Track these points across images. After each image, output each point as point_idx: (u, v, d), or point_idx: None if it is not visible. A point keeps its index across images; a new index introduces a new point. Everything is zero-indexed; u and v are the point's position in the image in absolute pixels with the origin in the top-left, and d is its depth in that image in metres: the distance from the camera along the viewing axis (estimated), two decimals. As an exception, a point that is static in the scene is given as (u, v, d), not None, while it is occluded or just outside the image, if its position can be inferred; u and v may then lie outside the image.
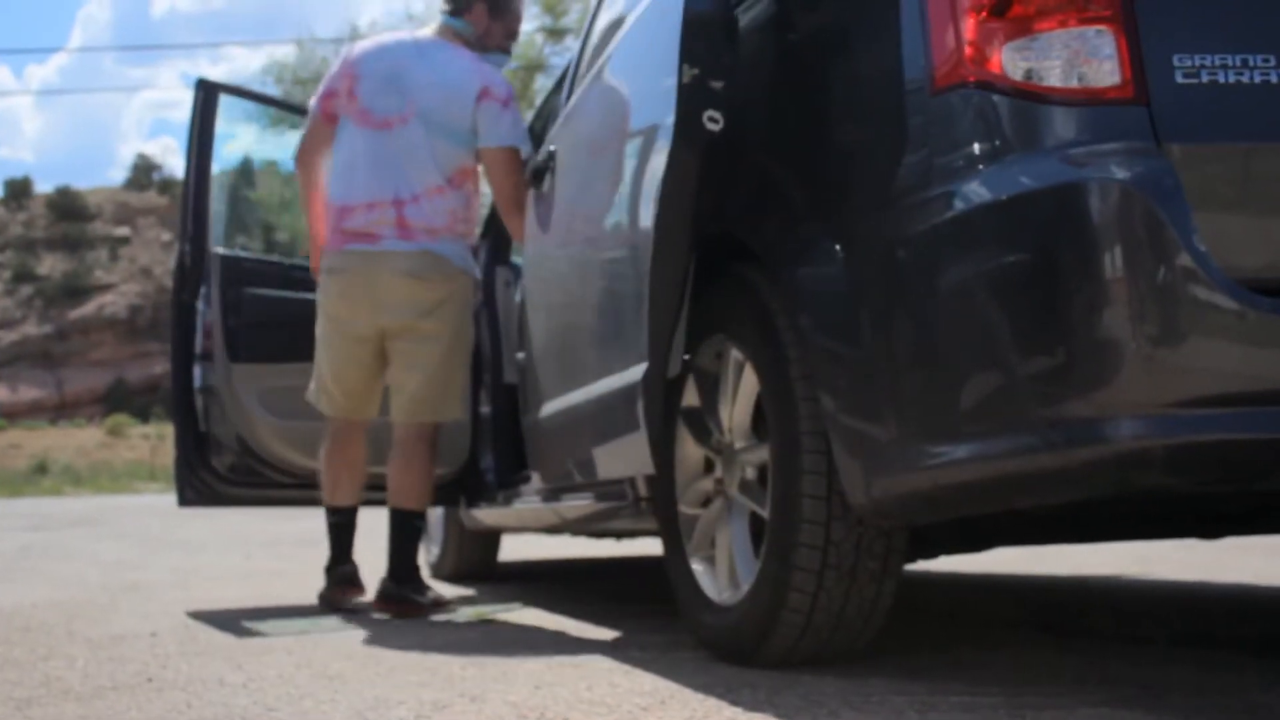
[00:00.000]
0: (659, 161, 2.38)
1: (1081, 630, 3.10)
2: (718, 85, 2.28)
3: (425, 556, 5.13)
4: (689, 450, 2.69)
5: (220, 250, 4.29)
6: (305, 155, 3.99)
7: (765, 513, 2.34)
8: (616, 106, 3.04)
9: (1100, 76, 1.83)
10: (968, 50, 1.91)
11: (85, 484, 26.75)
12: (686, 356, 2.60)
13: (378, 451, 3.93)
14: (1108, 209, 1.76)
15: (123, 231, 77.01)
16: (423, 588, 3.81)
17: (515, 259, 4.61)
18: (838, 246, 2.13)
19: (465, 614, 3.66)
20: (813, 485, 2.18)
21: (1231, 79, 1.79)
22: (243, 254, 4.45)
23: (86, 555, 6.87)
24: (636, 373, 2.51)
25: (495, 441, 4.44)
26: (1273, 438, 1.71)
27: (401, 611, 3.72)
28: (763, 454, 2.39)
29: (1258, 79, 1.79)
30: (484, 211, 4.43)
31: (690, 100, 2.27)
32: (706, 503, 2.64)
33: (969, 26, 1.91)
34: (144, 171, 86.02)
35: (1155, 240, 1.73)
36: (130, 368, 67.37)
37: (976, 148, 1.91)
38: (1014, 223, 1.84)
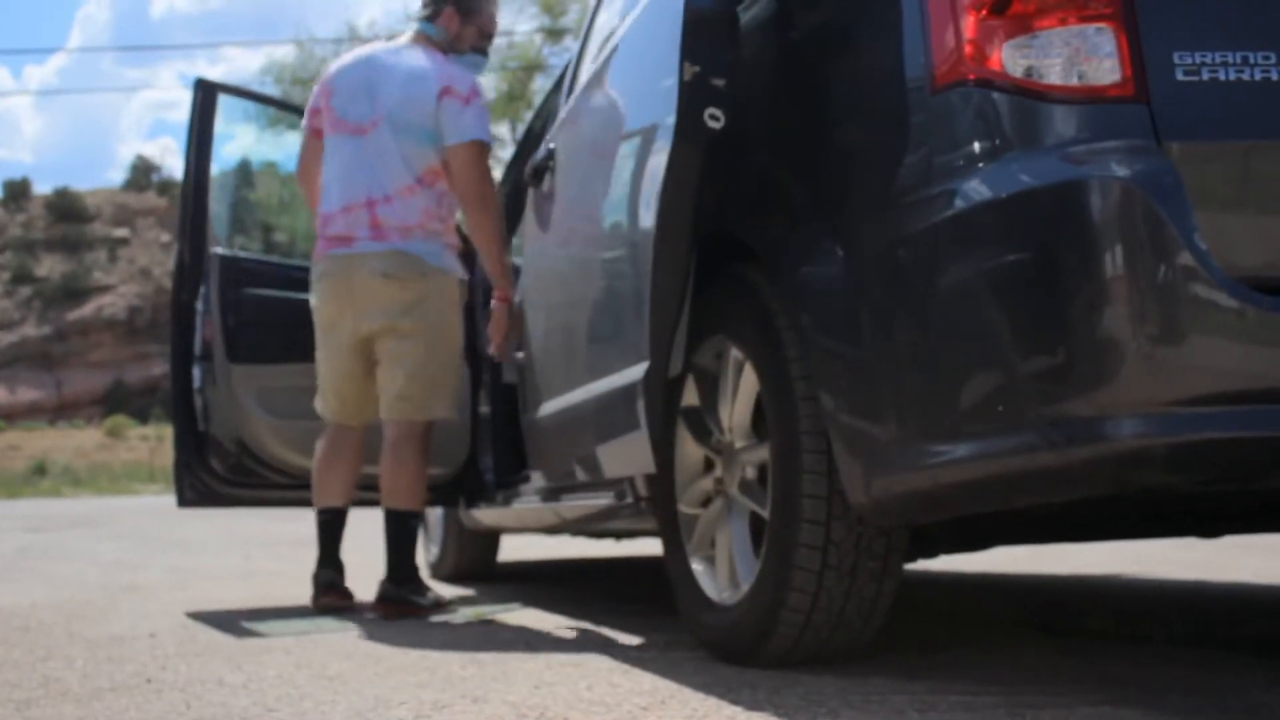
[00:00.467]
0: (659, 160, 2.38)
1: (1081, 630, 3.10)
2: (719, 83, 2.27)
3: (425, 557, 5.13)
4: (689, 450, 2.68)
5: (219, 250, 4.29)
6: (302, 172, 4.04)
7: (765, 512, 2.34)
8: (616, 105, 3.04)
9: (1100, 74, 1.83)
10: (968, 48, 1.91)
11: (84, 485, 26.76)
12: (681, 355, 2.60)
13: (371, 451, 3.92)
14: (1108, 207, 1.75)
15: (122, 233, 76.99)
16: (422, 588, 3.80)
17: (515, 259, 4.61)
18: (838, 245, 2.13)
19: (465, 614, 3.66)
20: (813, 485, 2.18)
21: (1232, 76, 1.79)
22: (242, 254, 4.45)
23: (85, 556, 6.87)
24: (637, 372, 2.51)
25: (494, 442, 4.44)
26: (1273, 436, 1.71)
27: (401, 613, 3.72)
28: (763, 453, 2.39)
29: (1258, 76, 1.79)
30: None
31: (691, 98, 2.26)
32: (706, 502, 2.63)
33: (969, 24, 1.91)
34: (143, 172, 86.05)
35: (1156, 238, 1.72)
36: (129, 369, 67.37)
37: (976, 146, 1.91)
38: (1014, 221, 1.84)
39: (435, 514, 5.20)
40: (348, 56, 4.02)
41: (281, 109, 4.90)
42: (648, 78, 2.66)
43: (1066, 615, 3.50)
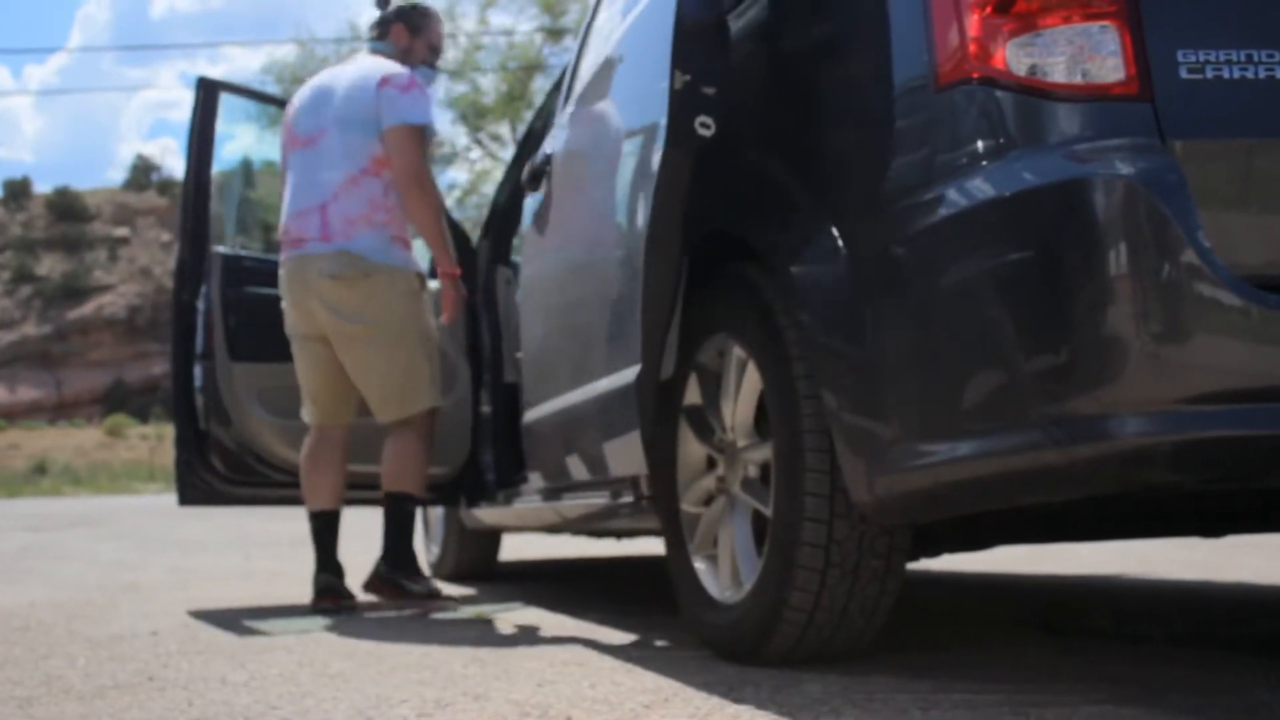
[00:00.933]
0: (654, 164, 2.40)
1: (1083, 629, 3.09)
2: (710, 91, 2.31)
3: (425, 556, 5.13)
4: (691, 448, 2.68)
5: (221, 249, 4.29)
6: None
7: (768, 511, 2.34)
8: (611, 111, 3.07)
9: (1104, 72, 1.82)
10: (971, 47, 1.91)
11: (84, 484, 26.75)
12: (674, 356, 2.62)
13: (368, 450, 3.99)
14: (1112, 205, 1.75)
15: (122, 232, 76.99)
16: (415, 576, 3.87)
17: (516, 258, 4.61)
18: (840, 244, 2.13)
19: (466, 613, 3.65)
20: (815, 483, 2.18)
21: (1236, 74, 1.79)
22: (243, 253, 4.44)
23: (85, 555, 6.87)
24: (634, 373, 2.53)
25: (495, 441, 4.43)
26: (1276, 434, 1.71)
27: (391, 595, 3.80)
28: (765, 452, 2.39)
29: (1262, 74, 1.79)
30: (484, 213, 4.43)
31: (682, 106, 2.31)
32: (708, 501, 2.63)
33: (973, 23, 1.91)
34: (143, 172, 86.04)
35: (1160, 236, 1.72)
36: (129, 368, 67.37)
37: (980, 144, 1.91)
38: (1018, 219, 1.84)
39: (436, 513, 5.20)
40: (305, 85, 4.16)
41: (284, 107, 4.87)
42: (642, 84, 2.67)
43: (1068, 614, 3.50)
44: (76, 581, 5.12)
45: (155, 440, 37.41)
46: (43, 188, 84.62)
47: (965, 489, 1.94)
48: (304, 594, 3.93)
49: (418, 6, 4.12)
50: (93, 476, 28.89)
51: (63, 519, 11.44)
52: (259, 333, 4.24)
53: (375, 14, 4.15)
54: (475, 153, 28.46)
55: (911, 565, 2.84)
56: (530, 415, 3.87)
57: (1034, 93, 1.86)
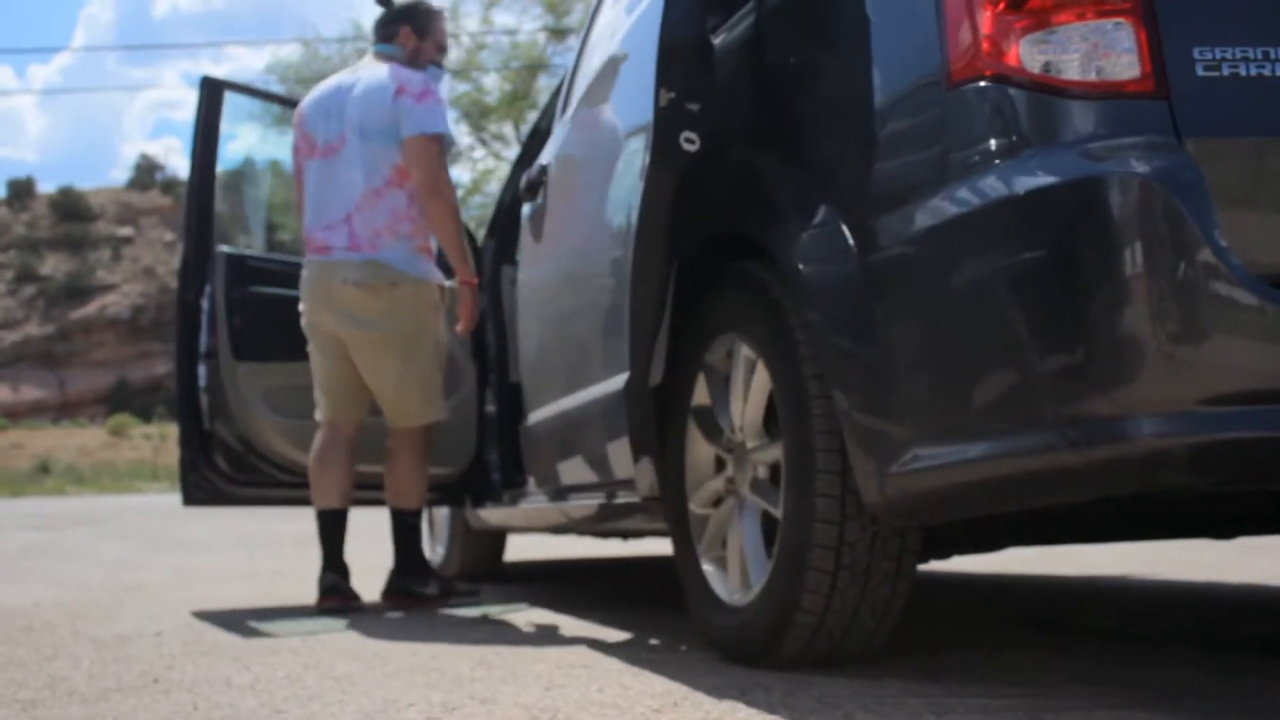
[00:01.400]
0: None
1: (1093, 631, 3.08)
2: (694, 107, 2.36)
3: (430, 557, 5.11)
4: (699, 449, 2.66)
5: (224, 248, 4.28)
6: (299, 204, 4.12)
7: (778, 512, 2.32)
8: (608, 115, 3.11)
9: (1119, 70, 1.80)
10: (984, 44, 1.89)
11: (88, 484, 26.76)
12: (663, 363, 2.65)
13: (367, 451, 4.04)
14: (1128, 204, 1.73)
15: (125, 231, 77.03)
16: (425, 579, 3.96)
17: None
18: (851, 242, 2.11)
19: (472, 614, 3.64)
20: (826, 484, 2.16)
21: (1253, 72, 1.77)
22: (247, 252, 4.43)
23: (89, 555, 6.86)
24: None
25: (500, 440, 4.42)
26: None
27: (406, 604, 3.85)
28: (775, 453, 2.37)
29: (1279, 72, 1.77)
30: (488, 212, 4.42)
31: (667, 122, 2.36)
32: (717, 502, 2.61)
33: (986, 20, 1.89)
34: (147, 172, 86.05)
35: (1176, 235, 1.70)
36: (133, 368, 67.40)
37: (993, 142, 1.89)
38: (1032, 218, 1.82)
39: (441, 514, 5.18)
40: (315, 89, 4.16)
41: (289, 106, 4.85)
42: (637, 88, 2.69)
43: (1077, 616, 3.48)
44: (80, 581, 5.11)
45: (158, 440, 37.43)
46: (46, 187, 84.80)
47: (978, 490, 1.92)
48: (309, 594, 3.92)
49: (421, 5, 4.10)
50: (96, 476, 28.89)
51: (66, 518, 11.43)
52: (263, 332, 4.23)
53: (379, 13, 4.13)
54: (478, 152, 28.43)
55: (919, 566, 2.83)
56: (528, 421, 3.89)
57: (1048, 90, 1.84)
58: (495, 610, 3.72)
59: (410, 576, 3.97)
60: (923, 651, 2.55)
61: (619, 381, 2.76)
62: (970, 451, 1.87)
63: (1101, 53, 1.82)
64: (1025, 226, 1.82)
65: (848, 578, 2.19)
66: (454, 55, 26.25)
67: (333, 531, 3.90)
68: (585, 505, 3.36)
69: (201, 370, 4.25)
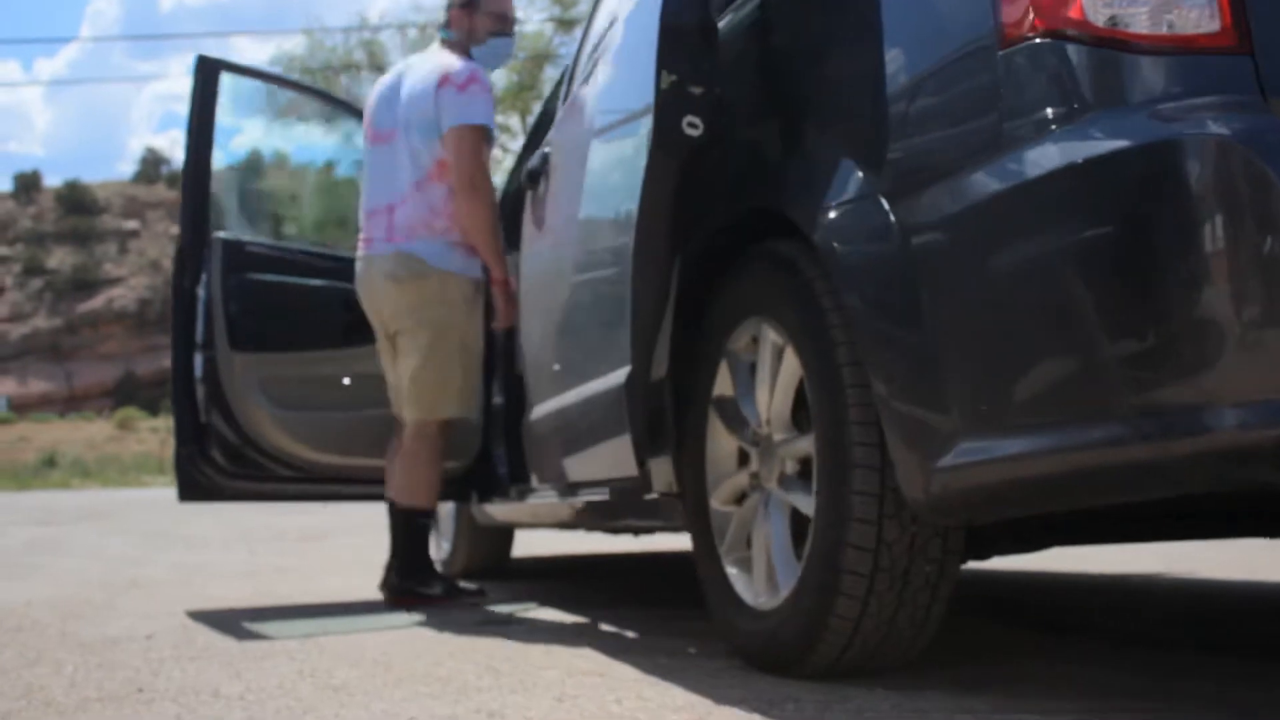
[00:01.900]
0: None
1: (1138, 636, 2.90)
2: (697, 90, 2.24)
3: (435, 553, 4.94)
4: (721, 442, 2.49)
5: (221, 234, 4.11)
6: None
7: (808, 510, 2.15)
8: (606, 106, 2.98)
9: (1195, 23, 1.63)
10: (1043, -2, 1.71)
11: (94, 477, 26.66)
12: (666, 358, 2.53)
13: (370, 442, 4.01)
14: (1206, 170, 1.55)
15: (132, 225, 76.94)
16: (430, 580, 3.80)
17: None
18: (892, 218, 1.93)
19: (477, 615, 3.46)
20: (863, 480, 1.99)
21: (1348, 23, 1.59)
22: (245, 238, 4.25)
23: (90, 550, 6.70)
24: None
25: (507, 434, 4.25)
26: None
27: (409, 604, 3.70)
28: (805, 446, 2.20)
29: (1376, 24, 1.59)
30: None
31: (669, 106, 2.24)
32: (741, 499, 2.44)
33: (1044, -30, 1.71)
34: (152, 165, 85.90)
35: (1261, 205, 1.52)
36: (139, 361, 67.32)
37: (1053, 105, 1.71)
38: (1097, 188, 1.64)
39: (446, 509, 5.01)
40: (388, 73, 4.15)
41: (287, 86, 4.70)
42: (637, 79, 2.53)
43: (1118, 619, 3.30)
44: (79, 578, 4.95)
45: (165, 433, 37.26)
46: (53, 181, 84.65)
47: (1035, 488, 1.75)
48: (309, 592, 3.77)
49: None
50: (102, 469, 28.79)
51: (71, 513, 11.29)
52: (261, 321, 4.07)
53: (385, 4, 4.04)
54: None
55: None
56: (530, 416, 3.73)
57: (1114, 46, 1.67)
58: (502, 611, 3.55)
59: (414, 577, 3.81)
60: (962, 660, 2.38)
61: (623, 375, 2.60)
62: (1026, 445, 1.70)
63: (1174, 5, 1.65)
64: (1090, 197, 1.65)
65: (886, 582, 2.02)
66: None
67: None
68: (596, 501, 3.19)
69: (198, 361, 4.08)
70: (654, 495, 2.74)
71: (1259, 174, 1.52)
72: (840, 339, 2.04)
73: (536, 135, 4.51)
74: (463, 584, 3.93)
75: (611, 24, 3.09)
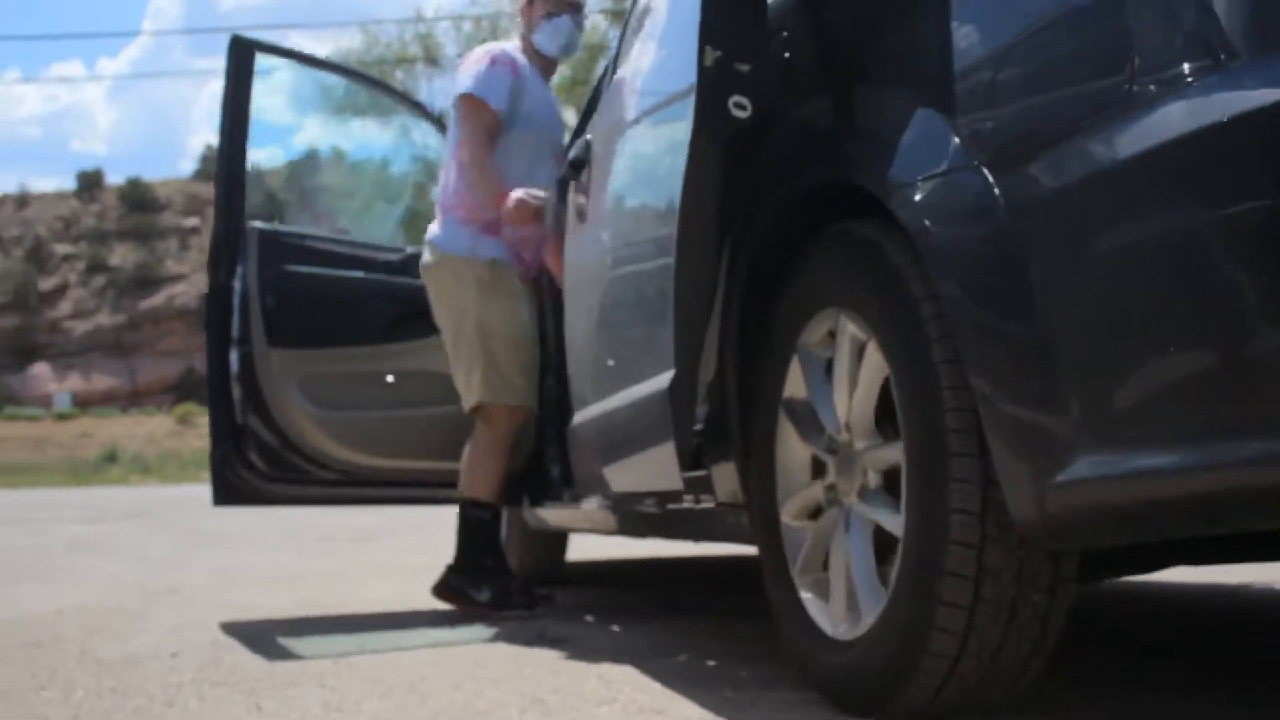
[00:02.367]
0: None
1: (1247, 661, 2.60)
2: (744, 68, 2.02)
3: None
4: (793, 449, 2.23)
5: (257, 224, 3.90)
6: None
7: (895, 528, 1.88)
8: (648, 90, 2.76)
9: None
10: (1185, -78, 1.43)
11: (153, 473, 26.78)
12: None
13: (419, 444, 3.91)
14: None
15: (192, 222, 77.63)
16: (480, 583, 3.59)
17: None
18: (996, 190, 1.65)
19: (527, 631, 3.21)
20: (963, 497, 1.72)
21: None
22: (282, 228, 4.04)
23: (133, 551, 6.55)
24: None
25: (560, 434, 4.00)
26: None
27: (457, 604, 3.58)
28: (891, 455, 1.93)
29: None
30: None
31: (713, 85, 2.02)
32: (816, 514, 2.17)
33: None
34: (213, 162, 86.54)
35: None
36: (200, 357, 67.51)
37: (1194, 54, 1.43)
38: (1251, 149, 1.36)
39: (497, 511, 4.77)
40: None
41: (325, 69, 4.47)
42: (680, 58, 2.29)
43: (1214, 637, 3.00)
44: (115, 582, 4.78)
45: (223, 428, 37.40)
46: (115, 179, 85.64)
47: (1178, 509, 1.46)
48: (353, 601, 3.54)
49: None
50: (162, 465, 28.93)
51: (122, 510, 11.21)
52: (299, 315, 3.86)
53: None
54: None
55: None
56: (574, 421, 3.48)
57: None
58: (554, 628, 3.28)
59: (464, 575, 3.61)
60: (1076, 693, 2.09)
61: (667, 379, 2.36)
62: (1168, 458, 1.42)
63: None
64: (1243, 161, 1.36)
65: (988, 614, 1.75)
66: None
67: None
68: (654, 509, 2.94)
69: (233, 357, 3.87)
70: (709, 505, 2.49)
71: None
72: (934, 332, 1.77)
73: (582, 124, 4.28)
74: (533, 590, 3.70)
75: None
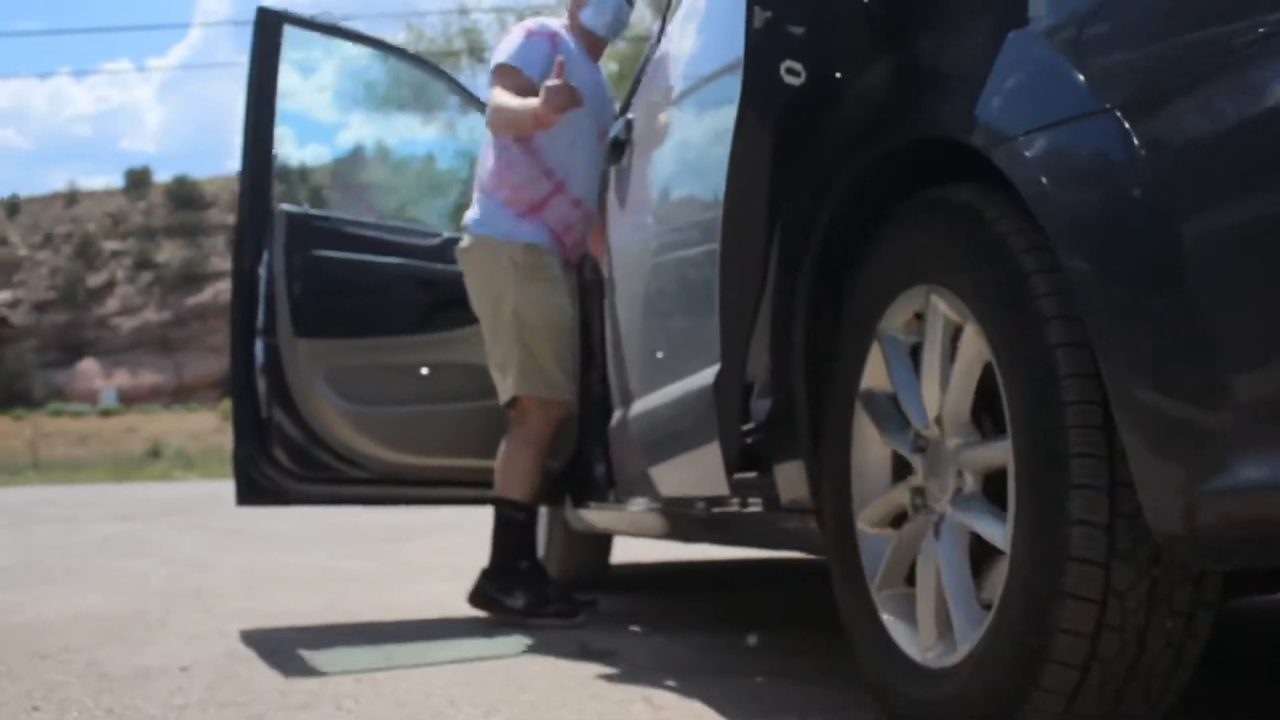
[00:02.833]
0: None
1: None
2: (797, 31, 1.83)
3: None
4: (871, 448, 1.96)
5: (285, 207, 3.67)
6: None
7: (996, 540, 1.61)
8: (695, 60, 2.57)
9: None
10: None
11: (196, 468, 26.76)
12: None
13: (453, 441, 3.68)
14: None
15: (238, 219, 78.22)
16: (513, 588, 3.36)
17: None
18: (1135, 139, 1.38)
19: (567, 643, 2.94)
20: (1085, 506, 1.44)
21: None
22: (311, 211, 3.80)
23: (163, 551, 6.35)
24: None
25: (604, 430, 3.75)
26: None
27: (491, 611, 3.36)
28: (994, 454, 1.65)
29: None
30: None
31: (763, 50, 1.84)
32: (898, 521, 1.90)
33: None
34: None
35: None
36: (245, 353, 68.36)
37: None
38: None
39: (539, 511, 4.52)
40: None
41: (359, 41, 4.21)
42: (728, 24, 2.07)
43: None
44: (139, 584, 4.57)
45: (267, 424, 37.51)
46: (162, 177, 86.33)
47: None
48: (383, 603, 3.30)
49: None
50: (205, 461, 28.92)
51: (158, 506, 11.06)
52: (327, 303, 3.63)
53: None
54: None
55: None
56: (614, 420, 3.24)
57: None
58: (599, 639, 3.01)
59: (497, 580, 3.37)
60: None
61: (712, 374, 2.13)
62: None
63: None
64: None
65: (1114, 644, 1.47)
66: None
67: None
68: (705, 511, 2.69)
69: (259, 348, 3.64)
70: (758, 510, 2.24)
71: None
72: (1049, 311, 1.50)
73: (627, 103, 4.03)
74: (572, 597, 3.46)
75: None
